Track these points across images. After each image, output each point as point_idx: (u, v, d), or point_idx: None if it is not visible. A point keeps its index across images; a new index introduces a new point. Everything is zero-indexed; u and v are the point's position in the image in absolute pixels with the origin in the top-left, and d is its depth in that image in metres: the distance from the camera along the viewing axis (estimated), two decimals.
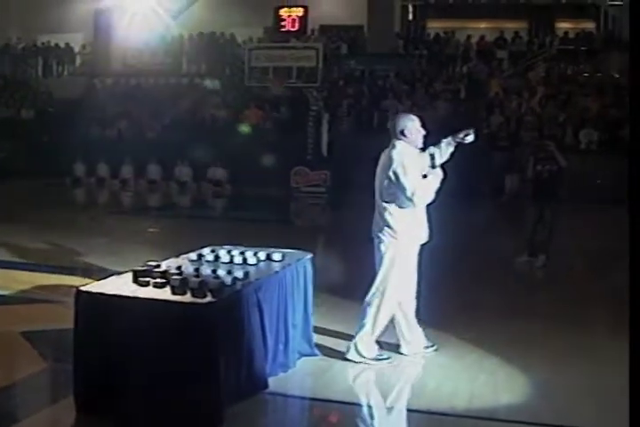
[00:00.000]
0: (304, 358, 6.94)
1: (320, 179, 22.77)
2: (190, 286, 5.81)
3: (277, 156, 22.24)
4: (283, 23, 23.51)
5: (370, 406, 6.24)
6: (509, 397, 6.32)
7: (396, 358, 7.14)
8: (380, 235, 6.89)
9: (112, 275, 6.45)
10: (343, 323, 7.96)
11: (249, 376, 5.93)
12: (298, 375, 6.63)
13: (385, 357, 7.07)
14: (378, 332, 7.06)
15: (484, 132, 22.13)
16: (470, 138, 7.00)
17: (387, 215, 6.83)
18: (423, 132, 6.90)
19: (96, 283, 6.15)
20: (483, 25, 33.37)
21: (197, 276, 6.07)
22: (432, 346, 7.35)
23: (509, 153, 21.52)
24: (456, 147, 7.06)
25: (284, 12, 23.53)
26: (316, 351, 7.11)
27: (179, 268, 6.35)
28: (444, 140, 7.05)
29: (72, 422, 5.72)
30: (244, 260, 6.77)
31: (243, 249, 7.04)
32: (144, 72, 29.16)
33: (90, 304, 5.74)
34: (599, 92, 25.04)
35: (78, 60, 32.86)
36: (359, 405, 6.21)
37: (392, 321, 7.19)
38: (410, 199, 6.67)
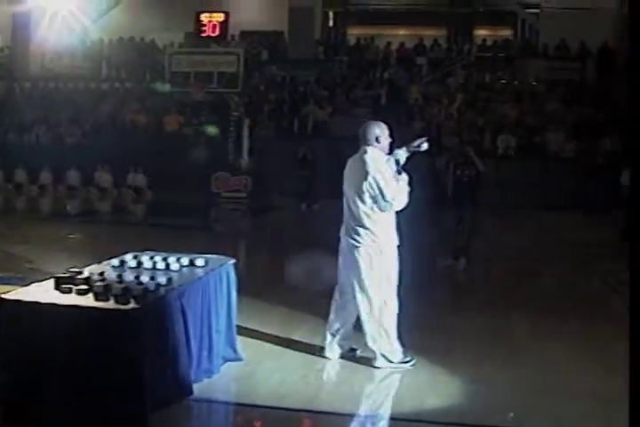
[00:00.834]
0: (228, 364, 6.94)
1: (241, 184, 22.78)
2: (113, 293, 5.78)
3: (198, 161, 22.15)
4: (203, 28, 23.45)
5: (295, 410, 6.26)
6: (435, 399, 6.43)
7: (321, 362, 7.20)
8: (359, 239, 7.03)
9: (33, 282, 6.37)
10: (267, 327, 8.01)
11: (173, 382, 5.92)
12: (222, 381, 6.63)
13: (409, 358, 7.19)
14: (393, 334, 7.15)
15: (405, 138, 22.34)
16: (425, 146, 7.23)
17: (365, 219, 7.00)
18: (390, 139, 7.17)
19: (17, 290, 6.07)
20: (402, 32, 33.76)
21: (120, 282, 6.03)
22: (356, 350, 7.43)
23: (430, 158, 21.75)
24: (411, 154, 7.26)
25: (204, 18, 23.48)
26: (241, 356, 7.11)
27: (101, 274, 6.29)
28: (400, 151, 7.22)
29: None
30: (167, 266, 6.74)
31: (165, 255, 7.00)
32: (63, 76, 28.76)
33: (11, 312, 5.66)
34: (517, 99, 25.51)
35: None
36: (284, 409, 6.22)
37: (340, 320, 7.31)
38: (390, 203, 6.95)
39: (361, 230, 7.02)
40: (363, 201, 6.99)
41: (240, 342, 7.24)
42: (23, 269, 11.02)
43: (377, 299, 7.07)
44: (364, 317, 7.12)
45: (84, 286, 5.92)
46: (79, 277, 6.14)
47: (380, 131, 7.12)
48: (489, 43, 30.74)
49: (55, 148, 24.75)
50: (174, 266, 6.74)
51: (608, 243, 15.85)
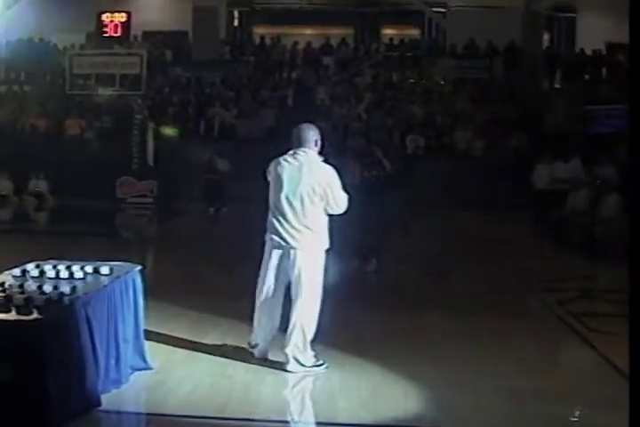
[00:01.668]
0: (138, 373, 6.88)
1: (147, 189, 22.63)
2: (15, 304, 5.69)
3: (102, 166, 21.90)
4: (105, 29, 23.31)
5: (206, 418, 6.26)
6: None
7: (232, 368, 7.23)
8: (301, 240, 7.08)
9: None
10: (177, 333, 8.00)
11: (80, 394, 5.86)
12: (131, 391, 6.58)
13: (321, 362, 7.24)
14: (310, 338, 7.23)
15: None
16: None
17: (311, 223, 7.10)
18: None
19: None
20: (309, 31, 33.88)
21: (22, 292, 5.95)
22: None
23: (336, 160, 21.90)
24: None
25: (106, 18, 23.39)
26: (151, 365, 7.07)
27: (1, 284, 6.20)
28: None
29: None
30: (71, 274, 6.66)
31: (69, 263, 6.91)
32: None
33: None
34: (425, 99, 25.87)
35: None
36: (195, 417, 6.22)
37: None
38: (340, 207, 7.21)
39: (304, 231, 7.09)
40: (312, 202, 7.08)
41: (149, 349, 7.19)
42: None
43: (310, 301, 7.16)
44: (294, 319, 7.16)
45: None
46: None
47: (316, 134, 7.35)
48: (396, 42, 31.13)
49: None
50: (78, 274, 6.66)
51: (517, 240, 16.22)
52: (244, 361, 7.37)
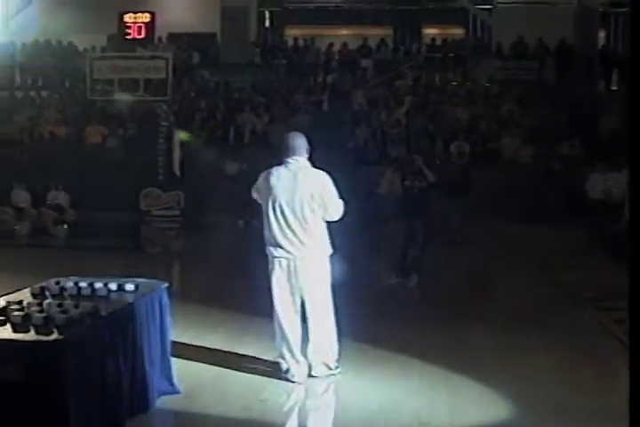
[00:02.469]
0: (164, 397, 6.90)
1: (173, 200, 22.66)
2: (34, 323, 5.72)
3: (125, 176, 21.99)
4: (128, 30, 23.43)
5: None
6: None
7: (264, 390, 7.22)
8: (307, 250, 7.38)
9: None
10: (205, 354, 8.01)
11: (103, 420, 5.88)
12: (158, 416, 6.60)
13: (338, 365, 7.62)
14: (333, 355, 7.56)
15: (350, 147, 22.52)
16: None
17: (312, 230, 7.40)
18: None
19: None
20: (345, 32, 33.90)
21: (41, 311, 5.97)
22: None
23: (376, 168, 21.89)
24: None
25: (129, 18, 23.48)
26: (178, 388, 7.08)
27: (19, 303, 6.23)
28: None
29: None
30: (94, 292, 6.70)
31: (91, 280, 6.95)
32: None
33: None
34: (469, 103, 25.77)
35: None
36: None
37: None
38: (337, 212, 7.48)
39: (306, 240, 7.37)
40: (312, 209, 7.35)
41: (178, 369, 7.21)
42: None
43: (326, 308, 7.47)
44: (315, 328, 7.45)
45: (1, 317, 5.86)
46: None
47: (306, 142, 7.68)
48: (438, 42, 31.00)
49: None
50: (101, 292, 6.69)
51: (570, 253, 16.08)
52: (280, 381, 7.38)
